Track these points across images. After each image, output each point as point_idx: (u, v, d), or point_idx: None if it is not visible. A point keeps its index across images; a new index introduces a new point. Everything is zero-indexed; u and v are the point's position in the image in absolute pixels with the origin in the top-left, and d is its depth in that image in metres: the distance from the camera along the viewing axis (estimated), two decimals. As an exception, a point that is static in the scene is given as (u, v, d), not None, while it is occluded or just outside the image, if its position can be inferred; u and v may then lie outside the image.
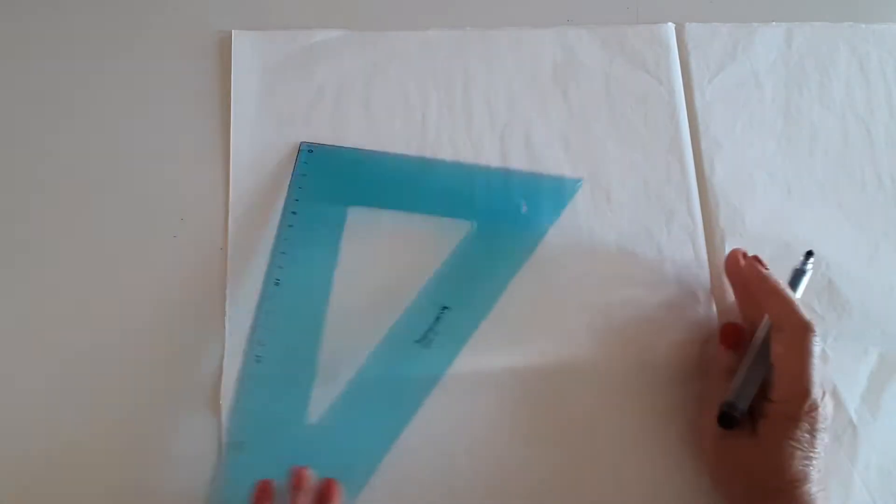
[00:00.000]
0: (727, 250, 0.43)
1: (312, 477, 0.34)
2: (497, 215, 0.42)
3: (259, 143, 0.44)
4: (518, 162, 0.44)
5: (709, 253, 0.43)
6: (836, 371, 0.41)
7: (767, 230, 0.44)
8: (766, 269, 0.38)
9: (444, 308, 0.39)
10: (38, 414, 0.39)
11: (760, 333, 0.37)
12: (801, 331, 0.34)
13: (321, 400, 0.38)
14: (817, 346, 0.34)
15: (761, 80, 0.47)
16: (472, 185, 0.43)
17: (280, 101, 0.45)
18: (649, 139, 0.45)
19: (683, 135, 0.45)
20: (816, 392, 0.34)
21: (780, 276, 0.38)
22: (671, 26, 0.47)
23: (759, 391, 0.36)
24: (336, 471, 0.36)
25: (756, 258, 0.39)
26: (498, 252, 0.41)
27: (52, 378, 0.40)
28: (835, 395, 0.41)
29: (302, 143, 0.43)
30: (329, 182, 0.42)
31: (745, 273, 0.39)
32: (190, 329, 0.40)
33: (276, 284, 0.39)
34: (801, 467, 0.33)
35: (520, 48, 0.47)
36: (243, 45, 0.45)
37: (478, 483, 0.39)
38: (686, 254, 0.43)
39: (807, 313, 0.35)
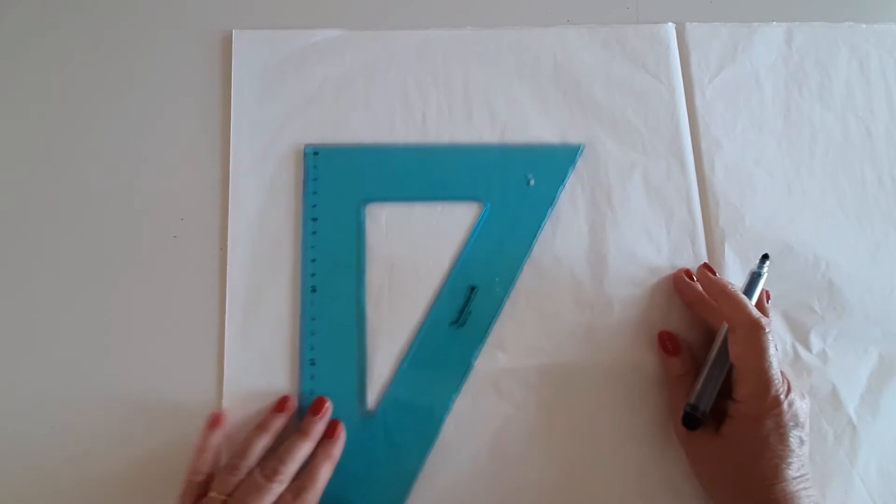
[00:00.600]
0: (727, 250, 0.43)
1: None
2: (507, 192, 0.43)
3: (259, 142, 0.44)
4: (518, 162, 0.44)
5: (709, 253, 0.43)
6: (836, 371, 0.42)
7: (767, 230, 0.44)
8: (715, 275, 0.40)
9: (473, 288, 0.41)
10: (38, 413, 0.39)
11: (720, 336, 0.38)
12: (753, 329, 0.35)
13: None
14: (771, 343, 0.35)
15: (761, 80, 0.47)
16: (480, 166, 0.44)
17: (280, 100, 0.45)
18: (649, 139, 0.45)
19: (684, 134, 0.45)
20: (777, 388, 0.34)
21: (773, 280, 0.39)
22: (671, 26, 0.47)
23: (726, 392, 0.37)
24: (395, 456, 0.39)
25: (706, 265, 0.41)
26: (513, 227, 0.43)
27: (52, 377, 0.40)
28: (834, 395, 0.41)
29: (306, 146, 0.43)
30: (341, 183, 0.43)
31: (696, 282, 0.41)
32: (190, 329, 0.40)
33: (314, 291, 0.41)
34: (770, 465, 0.34)
35: (520, 48, 0.46)
36: (243, 44, 0.45)
37: (490, 482, 0.39)
38: (686, 254, 0.43)
39: (756, 312, 0.36)
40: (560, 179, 0.43)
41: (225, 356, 0.40)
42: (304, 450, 0.36)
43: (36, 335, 0.40)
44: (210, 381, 0.40)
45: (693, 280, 0.41)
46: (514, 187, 0.43)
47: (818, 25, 0.48)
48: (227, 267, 0.41)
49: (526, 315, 0.41)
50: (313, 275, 0.41)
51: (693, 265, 0.43)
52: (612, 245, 0.43)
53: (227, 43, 0.46)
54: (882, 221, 0.45)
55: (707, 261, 0.43)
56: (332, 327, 0.40)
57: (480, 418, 0.40)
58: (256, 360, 0.40)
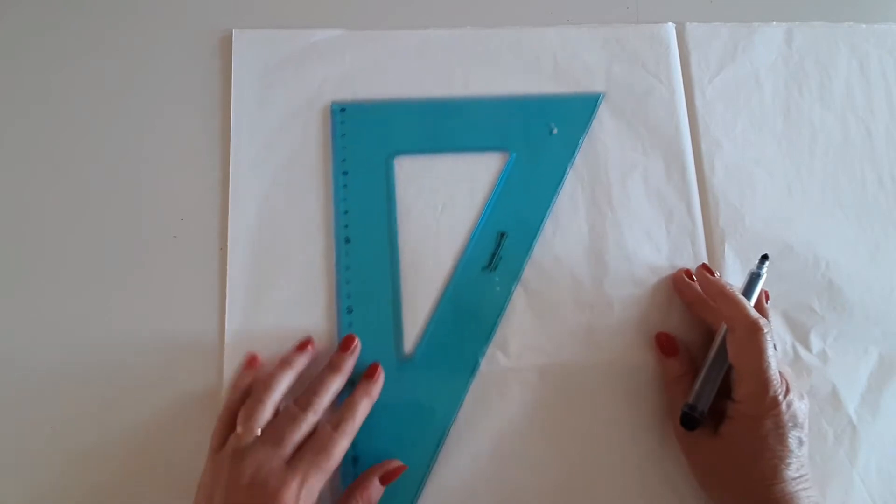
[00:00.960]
0: (727, 250, 0.43)
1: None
2: (531, 141, 0.45)
3: (259, 142, 0.44)
4: (518, 162, 0.44)
5: (709, 253, 0.43)
6: (836, 371, 0.42)
7: (767, 230, 0.44)
8: (714, 275, 0.40)
9: (502, 234, 0.42)
10: (39, 410, 0.39)
11: (718, 336, 0.38)
12: (751, 330, 0.35)
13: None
14: (770, 344, 0.35)
15: (761, 80, 0.47)
16: (504, 117, 0.45)
17: (280, 100, 0.45)
18: (649, 139, 0.45)
19: (684, 134, 0.45)
20: (776, 389, 0.34)
21: (773, 280, 0.39)
22: (671, 26, 0.47)
23: (725, 392, 0.37)
24: (433, 399, 0.40)
25: (705, 266, 0.41)
26: (538, 175, 0.44)
27: (52, 378, 0.40)
28: (834, 395, 0.41)
29: (332, 102, 0.44)
30: (369, 138, 0.44)
31: (696, 282, 0.40)
32: (189, 329, 0.40)
33: (347, 242, 0.42)
34: (769, 466, 0.34)
35: (520, 48, 0.46)
36: (243, 44, 0.45)
37: (490, 482, 0.39)
38: (686, 254, 0.43)
39: (755, 313, 0.36)
40: (582, 127, 0.45)
41: (224, 356, 0.40)
42: (335, 383, 0.37)
43: (36, 336, 0.40)
44: (211, 382, 0.40)
45: (693, 280, 0.41)
46: (537, 136, 0.45)
47: (818, 25, 0.48)
48: (228, 267, 0.41)
49: (526, 315, 0.41)
50: (346, 226, 0.42)
51: (693, 265, 0.43)
52: (612, 245, 0.43)
53: (227, 43, 0.46)
54: (882, 221, 0.45)
55: (707, 261, 0.43)
56: (366, 276, 0.41)
57: (481, 418, 0.40)
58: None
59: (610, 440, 0.40)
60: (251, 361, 0.39)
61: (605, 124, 0.45)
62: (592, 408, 0.40)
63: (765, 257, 0.39)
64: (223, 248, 0.42)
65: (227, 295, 0.41)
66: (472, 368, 0.40)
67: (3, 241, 0.42)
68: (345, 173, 0.43)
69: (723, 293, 0.37)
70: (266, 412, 0.35)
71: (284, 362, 0.38)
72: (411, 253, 0.42)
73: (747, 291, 0.39)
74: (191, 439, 0.39)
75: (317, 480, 0.33)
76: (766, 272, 0.39)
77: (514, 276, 0.42)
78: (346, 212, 0.42)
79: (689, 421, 0.37)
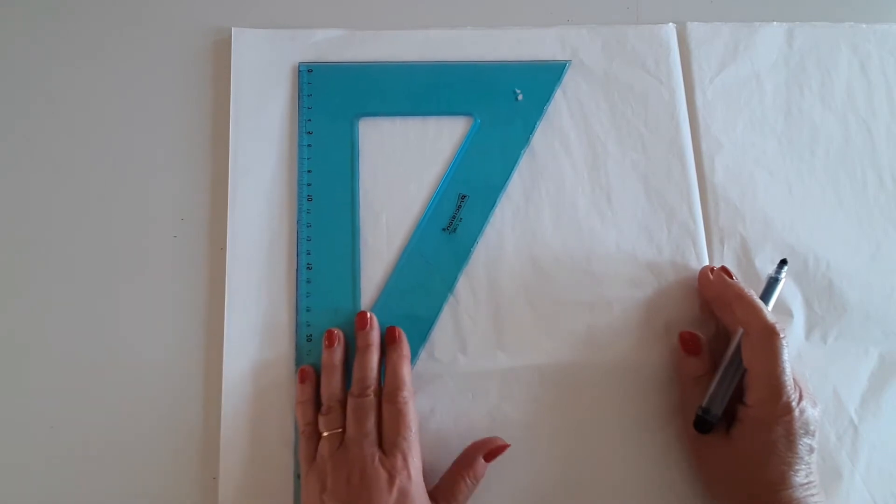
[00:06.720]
0: (727, 250, 0.43)
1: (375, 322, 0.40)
2: (496, 106, 0.45)
3: (259, 141, 0.44)
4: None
5: (709, 253, 0.43)
6: (837, 371, 0.41)
7: (768, 230, 0.44)
8: (733, 278, 0.39)
9: (463, 196, 0.43)
10: (39, 407, 0.39)
11: (734, 340, 0.38)
12: (766, 334, 0.35)
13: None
14: (785, 350, 0.34)
15: (762, 80, 0.47)
16: (470, 82, 0.45)
17: (279, 100, 0.45)
18: (650, 139, 0.45)
19: (684, 134, 0.45)
20: (789, 395, 0.34)
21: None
22: (672, 26, 0.47)
23: (738, 396, 0.36)
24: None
25: (724, 268, 0.40)
26: (502, 140, 0.45)
27: (52, 377, 0.40)
28: (835, 395, 0.41)
29: (300, 63, 0.45)
30: (335, 99, 0.45)
31: (714, 284, 0.40)
32: (190, 329, 0.41)
33: (309, 200, 0.43)
34: (777, 472, 0.34)
35: (520, 48, 0.46)
36: (243, 43, 0.46)
37: (489, 483, 0.38)
38: (686, 254, 0.43)
39: (772, 317, 0.35)
40: (547, 94, 0.45)
41: (224, 357, 0.40)
42: (373, 359, 0.38)
43: (36, 336, 0.40)
44: (211, 381, 0.40)
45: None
46: (502, 102, 0.45)
47: (819, 25, 0.48)
48: (227, 267, 0.41)
49: (526, 315, 0.41)
50: (309, 185, 0.43)
51: (693, 265, 0.43)
52: (612, 245, 0.43)
53: (227, 42, 0.46)
54: (882, 221, 0.45)
55: (708, 260, 0.43)
56: (327, 234, 0.42)
57: (479, 418, 0.40)
58: (257, 361, 0.40)
59: (610, 440, 0.40)
60: (304, 375, 0.39)
61: (605, 124, 0.45)
62: (592, 408, 0.40)
63: (783, 262, 0.39)
64: (223, 248, 0.42)
65: (226, 295, 0.41)
66: (428, 327, 0.41)
67: (2, 242, 0.42)
68: (309, 133, 0.43)
69: (740, 296, 0.37)
70: (337, 414, 0.37)
71: (325, 366, 0.39)
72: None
73: (765, 296, 0.39)
74: (191, 435, 0.39)
75: (413, 449, 0.35)
76: (785, 277, 0.39)
77: (473, 238, 0.42)
78: (309, 171, 0.43)
79: (703, 424, 0.37)
